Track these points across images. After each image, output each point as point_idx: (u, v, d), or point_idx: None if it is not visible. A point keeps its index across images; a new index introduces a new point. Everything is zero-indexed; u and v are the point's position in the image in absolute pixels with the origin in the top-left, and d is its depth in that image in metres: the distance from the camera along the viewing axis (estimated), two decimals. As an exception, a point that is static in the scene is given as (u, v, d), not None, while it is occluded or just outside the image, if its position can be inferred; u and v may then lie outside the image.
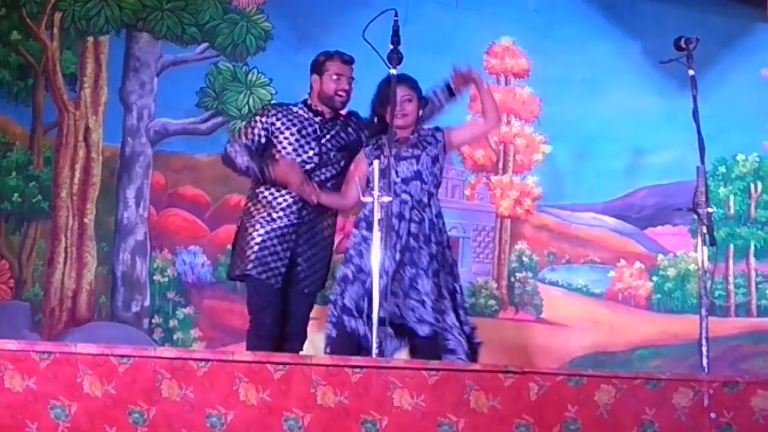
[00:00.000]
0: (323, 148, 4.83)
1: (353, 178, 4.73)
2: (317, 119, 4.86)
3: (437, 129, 4.79)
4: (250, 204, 4.90)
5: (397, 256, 4.50)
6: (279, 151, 4.81)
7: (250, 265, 4.73)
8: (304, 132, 4.83)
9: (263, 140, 4.83)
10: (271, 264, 4.74)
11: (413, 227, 4.57)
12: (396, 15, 4.40)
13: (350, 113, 4.95)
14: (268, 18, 6.65)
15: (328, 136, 4.85)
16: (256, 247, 4.74)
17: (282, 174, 4.73)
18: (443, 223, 4.70)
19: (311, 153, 4.81)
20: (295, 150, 4.80)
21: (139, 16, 6.62)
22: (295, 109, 4.90)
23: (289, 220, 4.77)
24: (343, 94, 4.84)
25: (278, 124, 4.82)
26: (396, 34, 4.39)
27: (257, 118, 4.88)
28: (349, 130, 4.91)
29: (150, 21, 6.62)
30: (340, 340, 4.51)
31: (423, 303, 4.49)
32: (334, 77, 4.82)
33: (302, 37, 6.53)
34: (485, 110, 4.81)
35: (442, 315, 4.50)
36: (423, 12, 6.45)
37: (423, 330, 4.46)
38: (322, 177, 4.81)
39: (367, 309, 4.41)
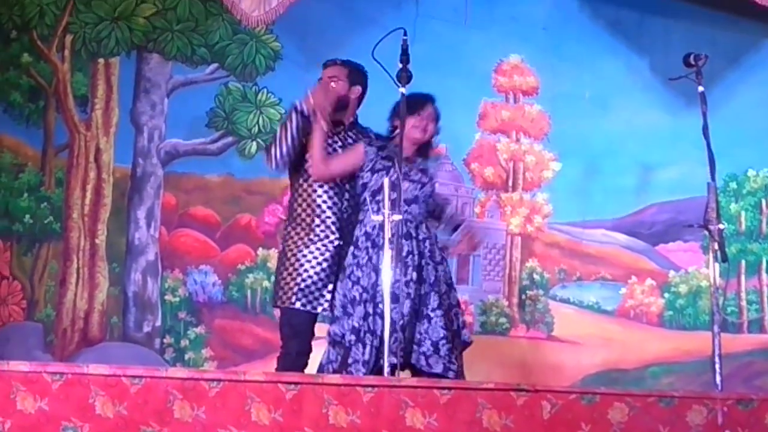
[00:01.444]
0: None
1: (344, 156, 4.66)
2: (339, 129, 4.76)
3: (431, 178, 4.77)
4: (289, 228, 4.77)
5: (414, 275, 4.49)
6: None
7: (293, 298, 4.63)
8: (330, 141, 4.71)
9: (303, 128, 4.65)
10: (315, 293, 4.64)
11: (422, 245, 4.57)
12: (405, 34, 4.40)
13: (353, 123, 4.85)
14: (278, 38, 6.68)
15: (330, 141, 4.73)
16: (299, 278, 4.64)
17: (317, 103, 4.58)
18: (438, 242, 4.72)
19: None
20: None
21: (149, 37, 6.67)
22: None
23: (330, 241, 4.68)
24: (333, 84, 4.70)
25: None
26: (405, 52, 4.39)
27: (294, 113, 4.64)
28: (350, 134, 4.81)
29: (160, 42, 6.66)
30: (342, 362, 4.47)
31: (428, 319, 4.48)
32: (330, 78, 4.74)
33: (311, 57, 6.52)
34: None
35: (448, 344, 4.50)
36: (431, 31, 6.47)
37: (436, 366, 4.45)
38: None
39: (377, 330, 4.40)
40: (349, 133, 4.81)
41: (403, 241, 4.47)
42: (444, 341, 4.47)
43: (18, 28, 6.68)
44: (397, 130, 4.55)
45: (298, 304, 4.62)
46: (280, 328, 4.77)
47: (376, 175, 4.58)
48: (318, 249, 4.66)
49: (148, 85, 6.69)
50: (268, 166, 4.75)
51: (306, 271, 4.64)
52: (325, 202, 4.69)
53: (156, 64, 6.69)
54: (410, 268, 4.48)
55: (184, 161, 6.66)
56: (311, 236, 4.67)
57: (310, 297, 4.64)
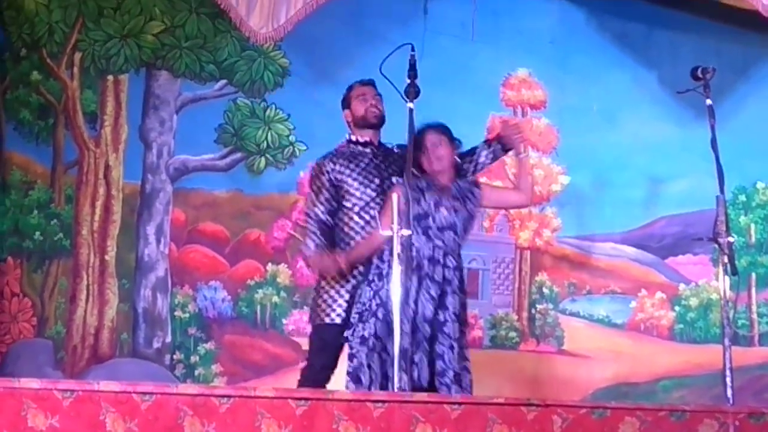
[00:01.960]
0: (384, 174, 4.74)
1: (385, 214, 4.70)
2: (368, 150, 4.81)
3: (476, 185, 4.76)
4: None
5: (434, 301, 4.49)
6: (350, 196, 4.72)
7: (333, 314, 4.67)
8: (363, 165, 4.76)
9: (333, 191, 4.73)
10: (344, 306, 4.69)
11: (447, 273, 4.57)
12: (413, 49, 4.42)
13: (397, 145, 4.86)
14: (286, 54, 6.70)
15: (386, 163, 4.78)
16: (336, 295, 4.69)
17: (316, 266, 4.73)
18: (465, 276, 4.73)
19: (377, 182, 4.73)
20: (362, 184, 4.72)
21: (158, 54, 6.70)
22: (343, 149, 4.82)
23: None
24: (375, 109, 4.78)
25: (338, 168, 4.73)
26: (413, 68, 4.40)
27: (317, 180, 4.76)
28: (398, 155, 4.83)
29: (169, 59, 6.69)
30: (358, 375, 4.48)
31: (451, 348, 4.49)
32: (359, 98, 4.80)
33: (319, 73, 6.57)
34: (521, 184, 4.81)
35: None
36: (439, 46, 6.48)
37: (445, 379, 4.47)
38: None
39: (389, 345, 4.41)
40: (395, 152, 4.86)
41: (429, 265, 4.48)
42: (465, 372, 4.51)
43: (27, 46, 6.72)
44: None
45: (338, 320, 4.64)
46: (309, 340, 4.82)
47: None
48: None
49: (157, 101, 6.72)
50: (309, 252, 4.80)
51: (342, 286, 4.68)
52: (373, 217, 4.67)
53: (165, 81, 6.71)
54: (433, 293, 4.48)
55: (193, 177, 6.68)
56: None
57: (345, 314, 4.66)
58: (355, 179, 4.73)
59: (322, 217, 4.72)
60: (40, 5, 6.69)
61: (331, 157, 4.79)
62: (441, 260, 4.55)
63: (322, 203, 4.73)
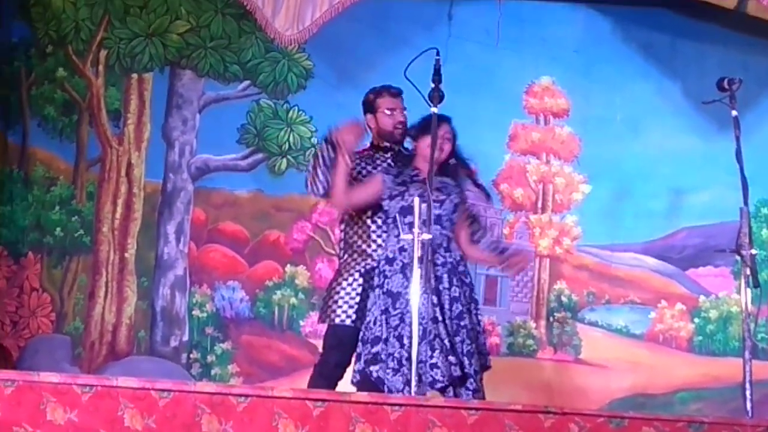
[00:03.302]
0: (405, 180, 4.77)
1: (363, 186, 4.69)
2: (388, 155, 4.87)
3: (457, 185, 4.75)
4: (345, 255, 4.86)
5: (432, 299, 4.48)
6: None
7: (344, 315, 4.72)
8: (380, 168, 4.80)
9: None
10: (362, 307, 4.70)
11: (440, 270, 4.55)
12: (438, 54, 4.42)
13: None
14: (309, 56, 6.71)
15: (404, 168, 4.80)
16: (347, 296, 4.75)
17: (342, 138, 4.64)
18: (466, 265, 4.68)
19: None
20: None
21: (183, 53, 6.73)
22: (364, 152, 4.88)
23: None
24: (401, 126, 4.83)
25: (359, 167, 4.79)
26: (437, 72, 4.41)
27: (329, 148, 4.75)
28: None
29: (193, 59, 6.72)
30: (364, 388, 4.47)
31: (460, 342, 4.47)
32: (387, 112, 4.82)
33: (343, 76, 6.58)
34: (478, 247, 4.78)
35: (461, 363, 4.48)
36: (463, 52, 6.48)
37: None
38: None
39: (399, 352, 4.40)
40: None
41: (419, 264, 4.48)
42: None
43: (54, 43, 6.77)
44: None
45: (348, 321, 4.69)
46: (324, 338, 4.84)
47: (392, 201, 4.61)
48: (368, 273, 4.72)
49: (181, 100, 6.74)
50: (312, 195, 4.91)
51: (354, 289, 4.73)
52: (374, 231, 4.77)
53: (189, 81, 6.74)
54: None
55: (215, 177, 6.70)
56: (368, 261, 4.75)
57: (359, 314, 4.69)
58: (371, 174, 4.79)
59: (324, 175, 4.71)
60: (67, 3, 6.74)
61: (358, 158, 4.83)
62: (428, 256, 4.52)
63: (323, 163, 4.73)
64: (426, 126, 4.52)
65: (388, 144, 4.88)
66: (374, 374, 4.42)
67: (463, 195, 4.75)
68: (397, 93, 4.84)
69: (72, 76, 6.75)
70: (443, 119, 4.57)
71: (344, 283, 4.77)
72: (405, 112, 4.85)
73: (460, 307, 4.53)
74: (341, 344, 4.70)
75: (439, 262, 4.53)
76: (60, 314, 6.59)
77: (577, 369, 6.54)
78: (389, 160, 4.84)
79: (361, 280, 4.74)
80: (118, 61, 6.75)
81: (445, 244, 4.59)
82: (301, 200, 6.58)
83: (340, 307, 4.73)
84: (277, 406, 3.50)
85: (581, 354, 6.58)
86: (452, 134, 4.70)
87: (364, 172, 4.81)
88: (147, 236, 6.63)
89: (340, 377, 4.70)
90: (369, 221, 4.78)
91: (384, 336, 4.45)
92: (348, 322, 4.70)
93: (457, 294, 4.53)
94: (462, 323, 4.50)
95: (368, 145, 4.92)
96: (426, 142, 4.52)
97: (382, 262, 4.59)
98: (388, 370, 4.38)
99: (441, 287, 4.51)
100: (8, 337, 6.53)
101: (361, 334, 4.55)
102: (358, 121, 4.79)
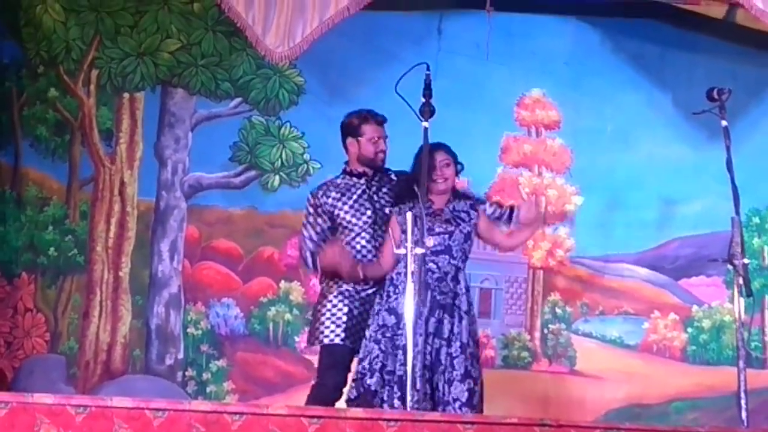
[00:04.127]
0: (377, 205, 4.85)
1: (387, 244, 4.70)
2: (362, 181, 4.90)
3: (472, 207, 4.79)
4: (327, 278, 4.89)
5: (425, 327, 4.48)
6: (344, 227, 4.83)
7: (332, 335, 4.75)
8: (355, 197, 4.86)
9: (327, 223, 4.86)
10: (353, 328, 4.74)
11: (440, 298, 4.56)
12: (428, 69, 4.44)
13: (385, 170, 4.96)
14: (301, 73, 6.72)
15: (379, 193, 4.88)
16: (339, 313, 4.78)
17: (329, 263, 4.76)
18: (471, 298, 4.72)
19: (369, 213, 4.84)
20: (354, 216, 4.83)
21: (174, 72, 6.74)
22: (338, 181, 4.93)
23: (368, 284, 4.78)
24: (382, 154, 4.89)
25: (330, 201, 4.86)
26: (428, 87, 4.44)
27: (309, 208, 4.90)
28: (392, 184, 4.92)
29: (184, 77, 6.73)
30: (360, 401, 4.47)
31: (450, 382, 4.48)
32: (373, 140, 4.86)
33: (334, 92, 6.60)
34: (516, 237, 4.88)
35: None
36: (453, 66, 6.50)
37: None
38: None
39: (393, 366, 4.41)
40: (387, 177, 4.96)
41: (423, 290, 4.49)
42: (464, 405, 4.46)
43: (45, 63, 6.77)
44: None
45: (337, 340, 4.71)
46: (319, 359, 4.85)
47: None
48: (354, 288, 4.78)
49: (173, 119, 6.75)
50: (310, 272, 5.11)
51: (340, 309, 4.76)
52: (364, 246, 4.81)
53: (180, 99, 6.75)
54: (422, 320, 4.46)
55: (208, 194, 6.71)
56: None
57: (350, 332, 4.72)
58: (347, 212, 4.84)
59: (313, 246, 4.84)
60: (57, 23, 6.74)
61: (325, 188, 4.91)
62: (432, 284, 4.53)
63: (317, 233, 4.86)
64: (434, 149, 4.55)
65: (362, 170, 4.90)
66: (371, 387, 4.43)
67: (476, 220, 4.76)
68: (382, 120, 4.88)
69: (63, 96, 6.76)
70: (438, 147, 4.60)
71: (329, 305, 4.80)
72: (386, 140, 4.89)
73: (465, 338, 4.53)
74: (336, 364, 4.71)
75: (444, 290, 4.58)
76: (54, 334, 6.57)
77: (572, 380, 6.54)
78: (363, 187, 4.87)
79: (346, 301, 4.77)
80: (109, 81, 6.76)
81: (453, 273, 4.62)
82: (295, 216, 6.53)
83: (328, 327, 4.75)
84: (272, 424, 3.50)
85: (576, 365, 6.58)
86: (451, 158, 4.72)
87: (338, 204, 4.84)
88: (141, 255, 6.63)
89: (338, 399, 4.69)
90: (348, 247, 4.82)
91: (383, 352, 4.46)
92: (337, 341, 4.72)
93: (458, 323, 4.54)
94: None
95: (341, 174, 4.96)
96: (435, 160, 4.57)
97: (386, 282, 4.61)
98: (385, 386, 4.40)
99: (444, 315, 4.52)
100: (2, 358, 6.51)
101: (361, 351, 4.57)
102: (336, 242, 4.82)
